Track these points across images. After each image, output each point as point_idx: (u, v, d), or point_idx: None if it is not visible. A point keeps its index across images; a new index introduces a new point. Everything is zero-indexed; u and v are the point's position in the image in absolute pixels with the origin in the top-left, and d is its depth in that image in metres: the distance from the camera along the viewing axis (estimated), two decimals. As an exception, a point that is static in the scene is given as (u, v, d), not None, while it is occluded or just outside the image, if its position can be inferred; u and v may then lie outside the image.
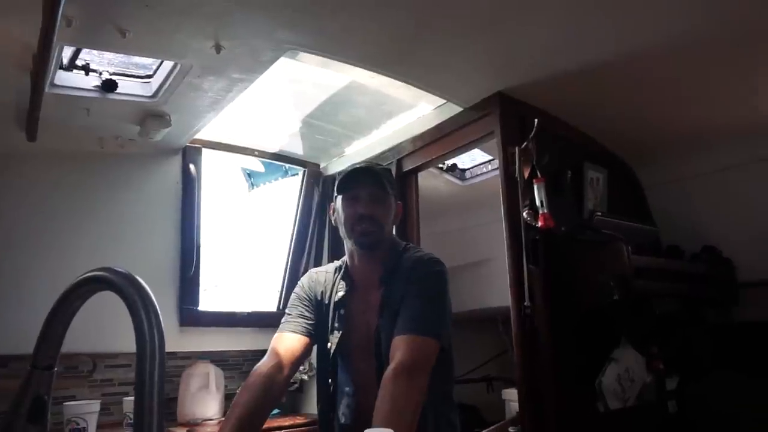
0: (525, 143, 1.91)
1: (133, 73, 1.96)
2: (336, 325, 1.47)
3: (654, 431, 2.01)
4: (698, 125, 2.27)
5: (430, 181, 2.94)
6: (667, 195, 2.55)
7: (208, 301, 2.88)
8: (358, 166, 1.47)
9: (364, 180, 1.43)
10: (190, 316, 2.60)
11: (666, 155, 2.49)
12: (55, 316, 0.81)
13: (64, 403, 2.04)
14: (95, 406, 2.06)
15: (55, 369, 0.84)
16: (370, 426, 1.08)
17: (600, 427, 1.86)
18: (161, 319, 0.69)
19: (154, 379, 0.68)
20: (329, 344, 1.47)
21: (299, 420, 2.55)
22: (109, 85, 1.85)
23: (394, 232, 1.54)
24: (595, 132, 2.37)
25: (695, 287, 2.16)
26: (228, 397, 2.62)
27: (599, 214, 2.07)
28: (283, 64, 1.98)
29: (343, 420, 1.43)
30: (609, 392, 1.89)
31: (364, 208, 1.41)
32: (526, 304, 1.80)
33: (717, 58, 1.83)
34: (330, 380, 1.49)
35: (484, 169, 3.03)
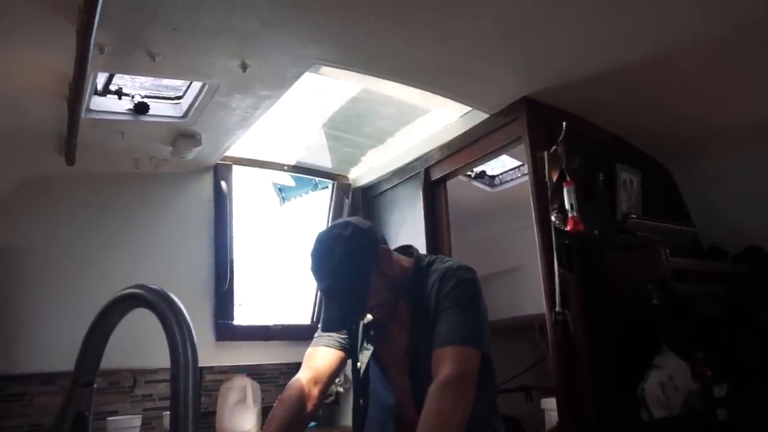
0: (554, 147, 1.88)
1: (163, 95, 2.02)
2: (365, 344, 1.46)
3: (703, 440, 1.93)
4: (735, 122, 2.19)
5: (459, 190, 2.92)
6: (706, 195, 2.47)
7: (243, 316, 2.93)
8: (312, 266, 1.34)
9: (327, 292, 1.33)
10: (226, 331, 2.64)
11: (702, 154, 2.41)
12: (93, 333, 0.82)
13: (107, 419, 2.09)
14: (137, 421, 2.11)
15: (95, 385, 0.86)
16: None
17: (644, 436, 1.80)
18: (194, 334, 0.70)
19: (189, 394, 0.69)
20: (359, 363, 1.47)
21: (336, 432, 2.55)
22: (141, 108, 1.91)
23: (398, 259, 1.43)
24: (626, 133, 2.32)
25: (739, 288, 2.07)
26: (265, 410, 2.63)
27: (634, 216, 2.01)
28: (309, 78, 2.01)
29: None
30: (652, 400, 1.83)
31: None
32: (557, 310, 1.76)
33: (752, 54, 1.77)
34: (361, 400, 1.48)
35: (514, 176, 3.00)
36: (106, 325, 0.83)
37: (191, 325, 0.71)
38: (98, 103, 1.88)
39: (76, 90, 1.50)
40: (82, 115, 1.76)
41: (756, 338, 2.08)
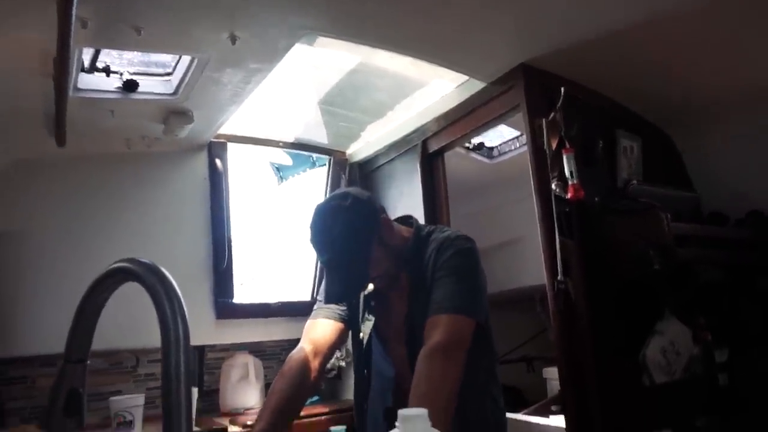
0: (552, 114, 1.85)
1: (152, 71, 1.98)
2: (367, 315, 1.45)
3: (703, 405, 1.93)
4: (737, 86, 2.15)
5: (457, 162, 2.89)
6: (707, 160, 2.43)
7: (245, 294, 2.93)
8: (312, 239, 1.32)
9: (329, 265, 1.32)
10: (226, 309, 2.63)
11: (703, 119, 2.37)
12: (84, 308, 0.81)
13: (111, 398, 2.09)
14: (140, 399, 2.10)
15: (88, 362, 0.85)
16: None
17: (646, 401, 1.80)
18: (187, 310, 0.68)
19: (180, 369, 0.67)
20: (361, 334, 1.46)
21: (338, 407, 2.56)
22: (130, 85, 1.87)
23: (397, 229, 1.41)
24: (626, 99, 2.27)
25: (741, 254, 2.06)
26: (268, 387, 2.64)
27: (634, 182, 1.99)
28: (301, 51, 1.97)
29: (386, 404, 1.41)
30: (654, 366, 1.83)
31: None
32: (559, 278, 1.74)
33: (755, 16, 1.72)
34: (365, 370, 1.48)
35: (512, 146, 2.96)
36: (97, 299, 0.82)
37: (182, 299, 0.69)
38: (86, 81, 1.84)
39: (62, 67, 1.46)
40: (70, 93, 1.72)
41: (757, 303, 2.07)
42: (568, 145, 1.78)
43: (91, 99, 1.87)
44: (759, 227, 2.12)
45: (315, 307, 1.52)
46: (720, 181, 2.39)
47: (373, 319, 1.43)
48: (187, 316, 0.68)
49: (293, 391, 1.36)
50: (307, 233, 1.34)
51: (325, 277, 1.37)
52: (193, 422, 2.25)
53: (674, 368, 1.88)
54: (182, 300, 0.69)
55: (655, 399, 1.80)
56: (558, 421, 2.16)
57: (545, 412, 2.37)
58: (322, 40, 1.86)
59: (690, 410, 1.86)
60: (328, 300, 1.38)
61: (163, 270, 0.72)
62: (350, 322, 1.50)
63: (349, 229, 1.27)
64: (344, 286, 1.31)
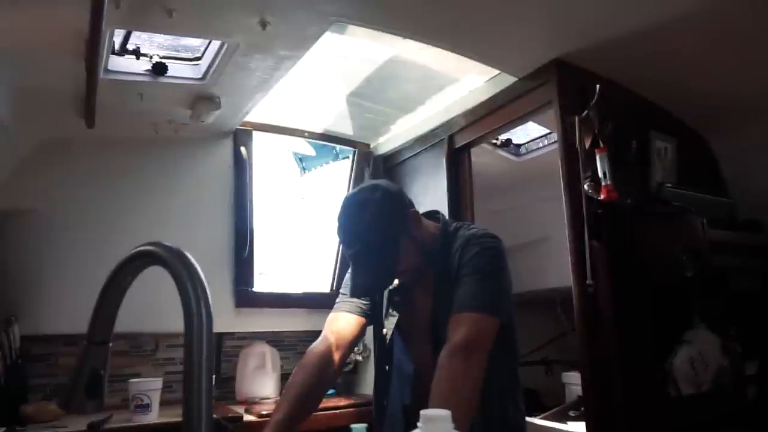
0: (585, 111, 1.79)
1: (182, 56, 1.98)
2: (391, 310, 1.43)
3: (731, 418, 1.87)
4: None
5: (483, 158, 2.84)
6: (744, 165, 2.35)
7: (265, 284, 2.93)
8: (339, 230, 1.31)
9: (356, 257, 1.30)
10: (246, 297, 2.63)
11: (741, 122, 2.28)
12: (108, 290, 0.80)
13: (129, 381, 2.11)
14: (158, 383, 2.12)
15: (110, 344, 0.84)
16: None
17: (671, 412, 1.75)
18: (211, 296, 0.67)
19: (203, 353, 0.66)
20: (385, 330, 1.44)
21: (354, 400, 2.55)
22: (159, 68, 1.87)
23: (424, 224, 1.39)
24: (661, 98, 2.20)
25: (778, 263, 1.98)
26: (284, 377, 2.65)
27: (668, 185, 1.92)
28: (330, 40, 1.95)
29: (405, 401, 1.39)
30: (681, 376, 1.77)
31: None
32: (588, 282, 1.69)
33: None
34: (387, 367, 1.46)
35: (540, 144, 2.90)
36: (121, 282, 0.81)
37: (206, 285, 0.68)
38: (116, 63, 1.85)
39: (93, 47, 1.46)
40: (100, 75, 1.73)
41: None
42: (601, 145, 1.73)
43: (120, 81, 1.87)
44: (797, 237, 2.04)
45: (338, 300, 1.50)
46: (756, 187, 2.31)
47: (397, 315, 1.41)
48: (210, 303, 0.67)
49: (313, 383, 1.35)
50: (335, 224, 1.32)
51: (351, 269, 1.35)
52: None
53: (702, 379, 1.82)
54: (206, 286, 0.68)
55: (681, 411, 1.74)
56: (577, 427, 2.12)
57: (563, 418, 2.33)
58: (352, 30, 1.84)
59: (716, 423, 1.80)
60: (354, 294, 1.36)
61: (189, 255, 0.71)
62: (372, 317, 1.48)
63: (378, 221, 1.25)
64: (371, 280, 1.29)
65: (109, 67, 1.82)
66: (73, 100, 1.91)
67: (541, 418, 2.33)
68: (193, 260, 0.70)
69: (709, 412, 1.84)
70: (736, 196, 2.26)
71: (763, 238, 2.05)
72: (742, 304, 1.95)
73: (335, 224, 1.32)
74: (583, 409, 1.96)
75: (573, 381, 2.63)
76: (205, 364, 0.66)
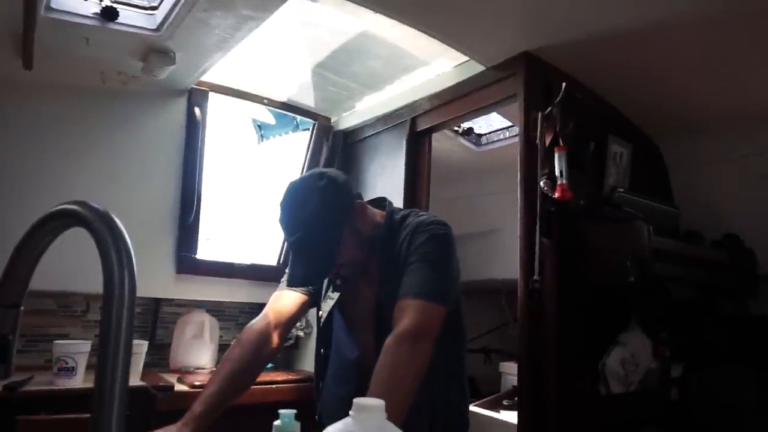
0: (549, 108, 1.79)
1: (135, 2, 1.84)
2: (330, 293, 1.40)
3: (655, 418, 1.95)
4: (732, 106, 2.13)
5: (444, 144, 2.83)
6: (691, 177, 2.43)
7: (211, 251, 2.83)
8: (281, 217, 1.26)
9: (295, 246, 1.25)
10: (188, 264, 2.54)
11: (694, 135, 2.35)
12: (22, 251, 0.73)
13: (54, 342, 2.00)
14: (85, 346, 2.02)
15: (22, 307, 0.78)
16: None
17: (600, 409, 1.80)
18: (134, 262, 0.61)
19: (122, 326, 0.61)
20: (321, 312, 1.42)
21: (292, 376, 2.52)
22: (109, 13, 1.74)
23: (369, 213, 1.36)
24: (622, 104, 2.24)
25: (714, 275, 2.06)
26: (222, 348, 2.59)
27: (621, 190, 1.96)
28: (298, 5, 1.86)
29: (347, 385, 1.37)
30: (612, 375, 1.83)
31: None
32: (535, 278, 1.71)
33: (763, 34, 1.69)
34: (322, 349, 1.43)
35: (501, 136, 2.91)
36: (38, 242, 0.74)
37: (131, 250, 0.62)
38: (60, 1, 1.70)
39: (34, -21, 1.33)
40: (41, 12, 1.59)
41: (721, 326, 2.09)
42: (561, 143, 1.73)
43: (64, 22, 1.72)
44: (735, 251, 2.13)
45: (283, 278, 1.46)
46: (700, 199, 2.39)
47: (336, 297, 1.38)
48: (135, 270, 0.61)
49: (249, 361, 1.32)
50: (277, 210, 1.27)
51: (290, 259, 1.31)
52: (139, 376, 2.18)
53: (631, 380, 1.89)
54: (132, 252, 0.62)
55: (610, 408, 1.80)
56: (509, 416, 2.17)
57: (497, 406, 2.38)
58: (321, -4, 1.76)
59: (641, 422, 1.88)
60: (291, 283, 1.33)
61: (114, 217, 0.64)
62: (315, 296, 1.45)
63: (320, 211, 1.21)
64: (308, 271, 1.25)
65: (52, 5, 1.67)
66: (9, 38, 1.75)
67: (475, 405, 2.38)
68: (119, 223, 0.63)
69: (636, 411, 1.91)
70: (681, 206, 2.34)
71: (703, 249, 2.13)
72: (677, 311, 2.02)
73: (278, 212, 1.27)
74: (516, 399, 2.00)
75: (509, 371, 2.69)
76: (123, 336, 0.61)
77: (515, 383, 2.26)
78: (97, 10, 1.74)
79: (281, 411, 0.81)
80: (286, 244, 2.77)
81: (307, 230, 1.21)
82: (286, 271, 1.46)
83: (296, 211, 1.23)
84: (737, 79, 1.99)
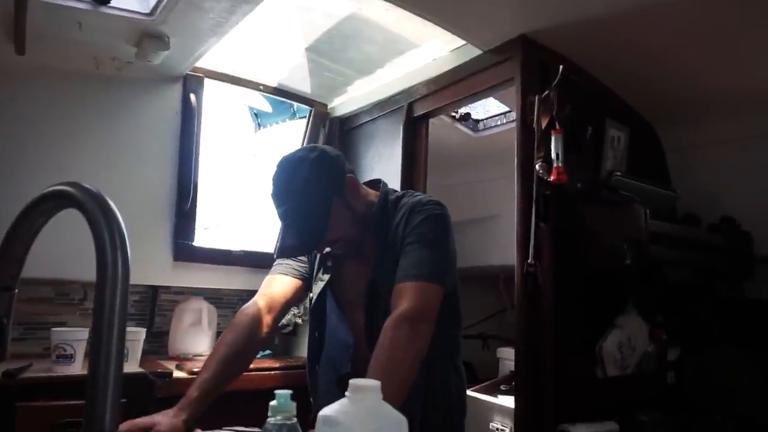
0: (546, 92, 1.78)
1: (129, -14, 1.82)
2: (320, 275, 1.40)
3: (651, 401, 1.96)
4: (730, 88, 2.12)
5: (441, 130, 2.81)
6: (689, 160, 2.42)
7: (209, 239, 2.83)
8: (273, 190, 1.27)
9: (285, 215, 1.25)
10: (185, 251, 2.53)
11: (692, 118, 2.34)
12: (14, 232, 0.73)
13: (52, 329, 2.01)
14: (83, 333, 2.02)
15: (16, 291, 0.77)
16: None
17: (597, 393, 1.81)
18: (128, 243, 0.61)
19: (115, 310, 0.60)
20: (311, 294, 1.41)
21: (290, 362, 2.53)
22: (102, -3, 1.72)
23: (363, 192, 1.36)
24: (620, 87, 2.22)
25: (711, 258, 2.07)
26: (220, 335, 2.59)
27: (618, 174, 1.95)
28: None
29: (342, 370, 1.37)
30: (608, 359, 1.84)
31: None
32: (530, 261, 1.71)
33: (761, 15, 1.68)
34: (316, 333, 1.43)
35: (498, 122, 2.89)
36: (31, 225, 0.73)
37: (125, 233, 0.61)
38: (52, -16, 1.68)
39: (23, -38, 1.31)
40: (33, -5, 1.57)
41: (717, 309, 2.10)
42: (558, 126, 1.72)
43: (55, 5, 1.70)
44: (732, 234, 2.13)
45: (275, 262, 1.46)
46: (697, 182, 2.39)
47: (326, 279, 1.38)
48: (128, 252, 0.61)
49: (242, 345, 1.32)
50: (269, 185, 1.26)
51: (281, 231, 1.31)
52: (137, 363, 2.18)
53: (627, 363, 1.90)
54: (125, 233, 0.61)
55: (606, 392, 1.81)
56: (506, 401, 2.18)
57: (494, 391, 2.39)
58: (316, -21, 1.74)
59: (638, 405, 1.89)
60: (281, 254, 1.32)
61: (108, 199, 0.64)
62: (309, 280, 1.45)
63: (311, 180, 1.22)
64: (298, 240, 1.24)
65: (44, -11, 1.65)
66: (0, 22, 1.73)
67: (473, 390, 2.39)
68: (112, 205, 0.63)
69: (632, 394, 1.92)
70: (678, 189, 2.33)
71: (700, 232, 2.13)
72: (674, 294, 2.03)
73: (270, 186, 1.26)
74: (513, 384, 2.01)
75: (507, 356, 2.70)
76: (116, 321, 0.60)
77: (512, 368, 2.27)
78: (89, -7, 1.72)
79: (277, 391, 0.81)
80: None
81: (298, 198, 1.21)
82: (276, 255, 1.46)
83: (287, 181, 1.24)
84: (735, 62, 1.97)
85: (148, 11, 1.83)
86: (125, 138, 2.40)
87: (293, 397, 0.84)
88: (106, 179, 2.27)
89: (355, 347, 1.35)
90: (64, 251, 1.83)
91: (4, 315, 0.78)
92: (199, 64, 2.39)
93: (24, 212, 0.73)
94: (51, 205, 0.72)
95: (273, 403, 0.83)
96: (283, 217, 1.25)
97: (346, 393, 0.76)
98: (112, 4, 1.76)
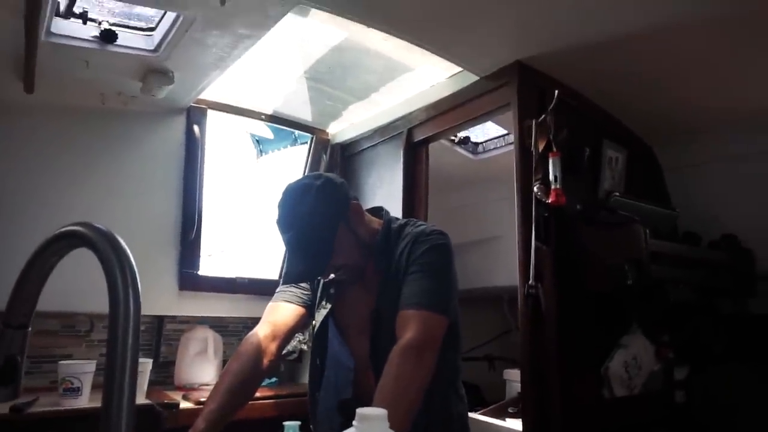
0: (543, 116, 1.81)
1: (134, 24, 1.88)
2: (323, 303, 1.42)
3: (659, 420, 1.95)
4: (725, 107, 2.15)
5: (441, 154, 2.84)
6: (688, 179, 2.45)
7: (212, 267, 2.84)
8: (278, 217, 1.29)
9: (291, 242, 1.28)
10: (190, 281, 2.55)
11: (689, 137, 2.37)
12: (29, 272, 0.75)
13: (59, 362, 2.01)
14: (90, 366, 2.03)
15: (29, 329, 0.79)
16: (369, 402, 1.04)
17: (604, 413, 1.81)
18: (142, 280, 0.63)
19: (127, 344, 0.62)
20: (314, 321, 1.43)
21: (296, 390, 2.52)
22: (108, 36, 1.77)
23: (367, 221, 1.38)
24: (616, 109, 2.26)
25: (712, 276, 2.07)
26: (226, 363, 2.59)
27: (617, 194, 1.98)
28: (291, 21, 1.89)
29: (343, 395, 1.38)
30: (615, 379, 1.83)
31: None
32: (530, 283, 1.72)
33: (753, 35, 1.72)
34: (318, 360, 1.44)
35: (498, 144, 2.93)
36: (44, 264, 0.76)
37: (136, 271, 0.64)
38: (60, 26, 1.73)
39: (32, 5, 1.36)
40: (42, 37, 1.62)
41: (721, 326, 2.10)
42: (555, 149, 1.75)
43: (64, 46, 1.75)
44: (733, 252, 2.14)
45: (277, 290, 1.48)
46: (697, 201, 2.41)
47: (329, 307, 1.40)
48: (140, 289, 0.63)
49: (247, 373, 1.33)
50: (275, 212, 1.29)
51: (286, 257, 1.33)
52: (143, 395, 2.19)
53: (634, 383, 1.89)
54: (136, 272, 0.63)
55: (614, 412, 1.80)
56: (515, 424, 2.17)
57: (502, 414, 2.38)
58: (315, 13, 1.79)
59: (646, 426, 1.88)
60: (287, 279, 1.34)
61: (118, 238, 0.66)
62: (312, 308, 1.46)
63: (316, 206, 1.24)
64: (304, 266, 1.26)
65: (52, 30, 1.70)
66: (11, 62, 1.78)
67: (480, 413, 2.38)
68: (123, 243, 0.65)
69: (640, 414, 1.91)
70: (678, 208, 2.35)
71: (701, 251, 2.14)
72: (677, 313, 2.03)
73: (276, 213, 1.29)
74: (521, 406, 2.00)
75: (514, 378, 2.69)
76: (129, 356, 0.62)
77: (519, 390, 2.26)
78: (97, 33, 1.77)
79: (286, 423, 0.82)
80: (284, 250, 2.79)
81: (304, 225, 1.24)
82: (282, 282, 1.48)
83: (293, 208, 1.26)
84: (729, 81, 2.01)
85: (153, 47, 1.89)
86: (131, 169, 2.44)
87: (301, 429, 0.85)
88: (113, 211, 2.31)
89: (356, 372, 1.36)
90: (70, 284, 1.84)
91: (18, 353, 0.80)
92: (203, 95, 2.44)
93: (37, 252, 0.75)
94: (64, 244, 0.74)
95: (281, 434, 0.84)
96: (289, 243, 1.27)
97: (354, 423, 0.77)
98: (119, 42, 1.81)
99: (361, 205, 1.36)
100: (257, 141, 3.68)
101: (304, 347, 2.75)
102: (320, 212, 1.24)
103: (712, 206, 2.37)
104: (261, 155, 3.69)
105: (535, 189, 1.76)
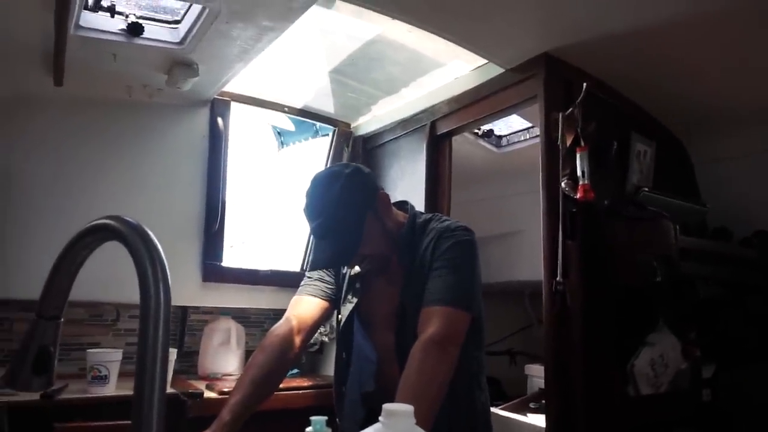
0: (570, 109, 1.78)
1: (160, 18, 1.89)
2: (349, 297, 1.42)
3: (687, 419, 1.92)
4: (759, 100, 2.09)
5: (464, 147, 2.82)
6: (719, 173, 2.38)
7: (234, 258, 2.87)
8: (306, 205, 1.29)
9: (318, 229, 1.27)
10: (214, 272, 2.58)
11: (720, 130, 2.31)
12: (61, 265, 0.76)
13: (87, 350, 2.06)
14: (117, 354, 2.07)
15: (62, 319, 0.80)
16: (392, 396, 1.04)
17: (629, 411, 1.78)
18: (173, 273, 0.63)
19: (159, 334, 0.63)
20: (339, 315, 1.43)
21: (318, 381, 2.54)
22: (135, 29, 1.78)
23: (394, 213, 1.38)
24: (645, 101, 2.21)
25: (743, 273, 2.02)
26: (249, 354, 2.59)
27: (645, 189, 1.93)
28: (315, 14, 1.88)
29: (366, 388, 1.38)
30: (641, 376, 1.80)
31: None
32: (558, 279, 1.70)
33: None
34: (344, 354, 1.44)
35: (522, 137, 2.89)
36: (76, 256, 0.76)
37: (165, 263, 0.64)
38: (88, 19, 1.75)
39: (62, 1, 1.38)
40: (71, 31, 1.64)
41: (750, 324, 2.05)
42: (583, 143, 1.72)
43: (92, 39, 1.77)
44: (764, 248, 2.08)
45: (302, 283, 1.48)
46: (728, 196, 2.34)
47: (355, 301, 1.40)
48: (170, 282, 0.64)
49: (273, 366, 1.34)
50: (302, 201, 1.29)
51: (313, 245, 1.33)
52: (168, 384, 2.22)
53: (661, 381, 1.86)
54: (166, 265, 0.64)
55: (639, 410, 1.78)
56: (536, 420, 2.15)
57: (524, 409, 2.36)
58: (339, 5, 1.78)
59: (672, 424, 1.85)
60: (313, 266, 1.34)
61: (149, 231, 0.66)
62: (336, 302, 1.46)
63: (345, 194, 1.24)
64: (332, 253, 1.25)
65: (81, 23, 1.72)
66: (40, 56, 1.81)
67: (501, 408, 2.36)
68: (153, 237, 0.66)
69: (666, 412, 1.88)
70: (708, 202, 2.29)
71: (732, 247, 2.09)
72: (706, 310, 1.98)
73: (303, 201, 1.29)
74: (543, 402, 1.99)
75: (536, 373, 2.67)
76: (160, 345, 0.63)
77: (541, 385, 2.24)
78: (124, 26, 1.79)
79: (313, 418, 0.82)
80: (310, 242, 2.79)
81: (332, 212, 1.23)
82: (307, 275, 1.48)
83: (322, 195, 1.26)
84: (764, 73, 1.95)
85: (178, 40, 1.90)
86: (156, 161, 2.48)
87: (328, 423, 0.85)
88: (138, 201, 2.34)
89: (378, 365, 1.36)
90: (97, 275, 1.88)
91: (50, 343, 0.81)
92: (226, 88, 2.45)
93: (69, 245, 0.76)
94: (95, 237, 0.75)
95: (309, 429, 0.84)
96: (317, 230, 1.27)
97: (380, 418, 0.77)
98: (145, 35, 1.83)
99: (388, 196, 1.35)
100: (278, 133, 3.69)
101: (326, 339, 2.77)
102: (349, 200, 1.24)
103: (744, 201, 2.31)
104: (282, 147, 3.70)
105: (563, 184, 1.73)
